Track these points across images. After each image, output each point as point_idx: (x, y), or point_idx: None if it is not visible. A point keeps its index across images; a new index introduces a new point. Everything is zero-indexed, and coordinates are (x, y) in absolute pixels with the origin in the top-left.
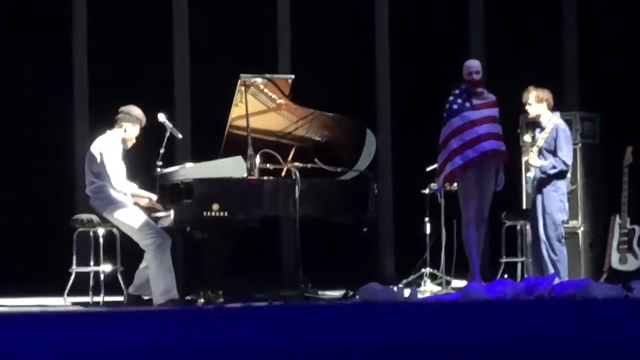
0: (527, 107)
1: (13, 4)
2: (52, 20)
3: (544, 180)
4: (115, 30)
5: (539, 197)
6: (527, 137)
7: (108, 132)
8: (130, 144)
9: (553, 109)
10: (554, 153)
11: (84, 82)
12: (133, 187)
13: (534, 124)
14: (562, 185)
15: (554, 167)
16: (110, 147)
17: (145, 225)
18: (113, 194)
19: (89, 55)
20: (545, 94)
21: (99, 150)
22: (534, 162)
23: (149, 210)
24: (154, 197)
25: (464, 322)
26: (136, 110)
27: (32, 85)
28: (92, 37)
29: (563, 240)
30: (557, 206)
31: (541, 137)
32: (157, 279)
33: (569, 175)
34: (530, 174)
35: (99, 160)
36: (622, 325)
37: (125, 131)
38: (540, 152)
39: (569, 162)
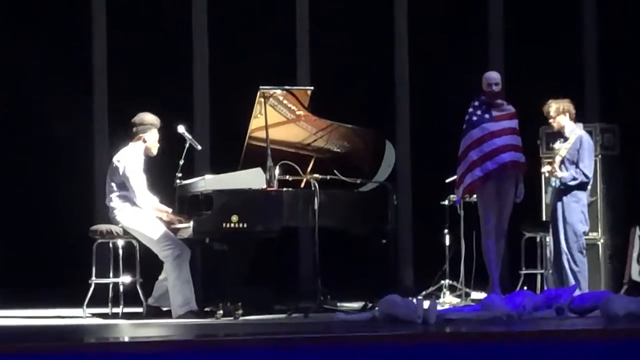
0: (550, 121)
1: (33, 15)
2: (73, 34)
3: (565, 191)
4: (134, 43)
5: (559, 208)
6: (557, 145)
7: (130, 144)
8: (155, 150)
9: (575, 119)
10: (576, 164)
11: (104, 94)
12: (154, 201)
13: (555, 134)
14: (583, 197)
15: (575, 179)
16: (133, 159)
17: (164, 237)
18: (134, 206)
19: (108, 68)
20: (566, 105)
21: (122, 162)
22: (557, 173)
23: (168, 223)
24: (170, 210)
25: None
26: (147, 117)
27: (52, 98)
28: (112, 50)
29: (584, 252)
30: (578, 217)
31: (564, 148)
32: (175, 291)
33: (589, 186)
34: (551, 185)
35: (121, 172)
36: None
37: (145, 141)
38: (562, 163)
39: (590, 174)
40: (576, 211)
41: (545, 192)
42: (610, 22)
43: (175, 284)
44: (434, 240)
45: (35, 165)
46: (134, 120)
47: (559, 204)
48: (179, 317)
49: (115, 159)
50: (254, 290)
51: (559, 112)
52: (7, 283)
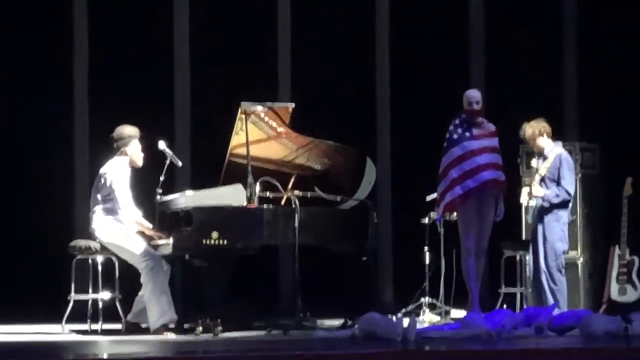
0: (530, 144)
1: (15, 24)
2: (53, 43)
3: (546, 210)
4: (115, 56)
5: (539, 227)
6: (533, 162)
7: (116, 157)
8: (140, 161)
9: (554, 138)
10: (557, 182)
11: (85, 109)
12: (138, 215)
13: (535, 153)
14: (564, 215)
15: (557, 196)
16: (119, 172)
17: (141, 249)
18: (115, 220)
19: (89, 82)
20: (541, 126)
21: (109, 174)
22: (536, 191)
23: (148, 238)
24: (151, 226)
25: None
26: (125, 130)
27: (32, 110)
28: (93, 62)
29: (563, 270)
30: (558, 235)
31: (544, 167)
32: (151, 304)
33: (570, 205)
34: (532, 203)
35: (108, 184)
36: None
37: (128, 154)
38: (542, 181)
39: (572, 191)
40: (556, 230)
41: (526, 211)
42: (591, 41)
43: (150, 296)
44: (414, 258)
45: (14, 180)
46: (113, 135)
47: (539, 223)
48: (156, 330)
49: (102, 171)
50: (233, 307)
51: (536, 136)
52: None
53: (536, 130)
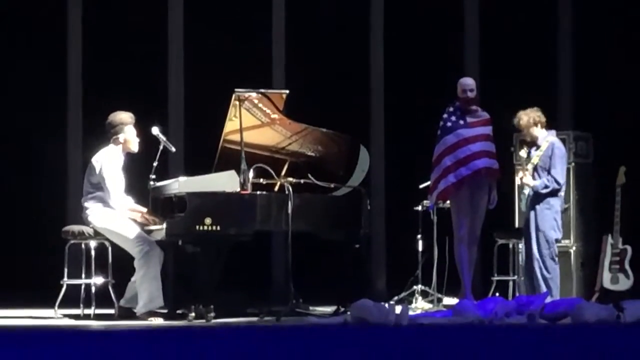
0: (523, 132)
1: (9, 21)
2: (47, 34)
3: (538, 198)
4: (109, 44)
5: (532, 215)
6: (522, 153)
7: (110, 145)
8: (135, 146)
9: (548, 126)
10: (548, 171)
11: (78, 93)
12: (129, 202)
13: (528, 142)
14: (556, 204)
15: (546, 187)
16: (110, 160)
17: (135, 235)
18: (106, 206)
19: (83, 67)
20: (535, 115)
21: (99, 162)
22: (527, 181)
23: (141, 224)
24: (144, 210)
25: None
26: (119, 116)
27: (26, 98)
28: (87, 50)
29: (556, 259)
30: (550, 224)
31: (536, 155)
32: (142, 289)
33: (562, 193)
34: (525, 192)
35: (97, 172)
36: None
37: (123, 141)
38: (535, 170)
39: (562, 180)
40: (548, 218)
41: (519, 199)
42: (585, 29)
43: (142, 281)
44: (407, 246)
45: (7, 166)
46: (107, 123)
47: (532, 212)
48: (141, 315)
49: (93, 159)
50: (226, 293)
51: (530, 125)
52: None
53: (531, 119)
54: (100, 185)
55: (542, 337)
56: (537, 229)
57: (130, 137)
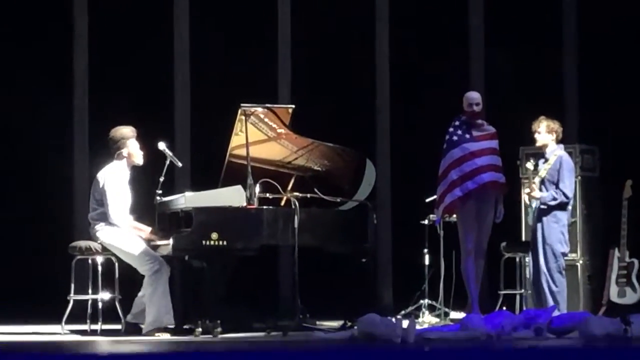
0: (536, 136)
1: (15, 34)
2: (53, 48)
3: (545, 212)
4: (115, 58)
5: (539, 228)
6: (529, 165)
7: (114, 161)
8: (139, 159)
9: (558, 142)
10: (556, 185)
11: (84, 109)
12: (129, 220)
13: (535, 155)
14: (563, 217)
15: (554, 199)
16: (114, 176)
17: (144, 252)
18: (112, 223)
19: (89, 84)
20: (556, 126)
21: (103, 178)
22: (534, 194)
23: (147, 240)
24: (149, 229)
25: None
26: (120, 132)
27: (32, 112)
28: (93, 65)
29: (564, 272)
30: (557, 237)
31: (544, 169)
32: (150, 306)
33: (569, 207)
34: (532, 205)
35: (100, 187)
36: None
37: (127, 155)
38: (542, 183)
39: (570, 194)
40: (555, 232)
41: (526, 213)
42: (591, 42)
43: (150, 299)
44: (414, 260)
45: (14, 181)
46: (109, 139)
47: (539, 225)
48: (148, 332)
49: (98, 175)
50: (233, 308)
51: (548, 131)
52: None
53: (551, 126)
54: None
55: None
56: (545, 243)
57: (133, 151)
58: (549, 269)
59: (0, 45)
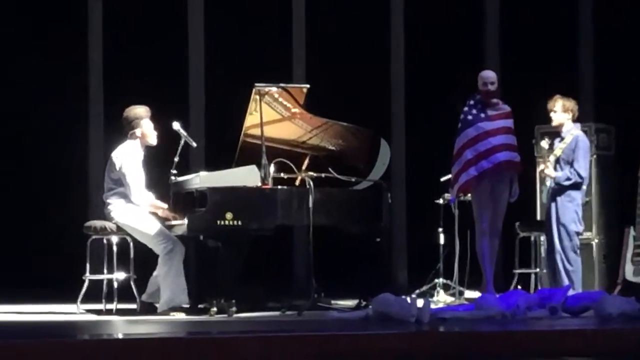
0: (552, 114)
1: (31, 16)
2: (68, 29)
3: (559, 191)
4: (130, 40)
5: (553, 207)
6: (544, 143)
7: (128, 141)
8: (153, 139)
9: (574, 121)
10: (571, 164)
11: (99, 90)
12: (150, 197)
13: (550, 134)
14: (577, 197)
15: (569, 179)
16: (130, 155)
17: (158, 232)
18: (128, 202)
19: (104, 63)
20: (572, 104)
21: (119, 158)
22: (549, 172)
23: (163, 219)
24: (165, 206)
25: None
26: (134, 111)
27: (48, 92)
28: (108, 45)
29: (578, 251)
30: (571, 217)
31: (559, 147)
32: (164, 286)
33: (584, 187)
34: (547, 184)
35: (117, 168)
36: None
37: (141, 135)
38: (557, 162)
39: (584, 174)
40: (570, 211)
41: (541, 191)
42: (607, 21)
43: (164, 279)
44: (428, 239)
45: (29, 161)
46: (123, 118)
47: (553, 204)
48: (162, 312)
49: (113, 154)
50: (247, 288)
51: (564, 110)
52: (1, 278)
53: (567, 105)
54: (121, 181)
55: None
56: (559, 222)
57: (147, 131)
58: (563, 248)
59: (16, 27)
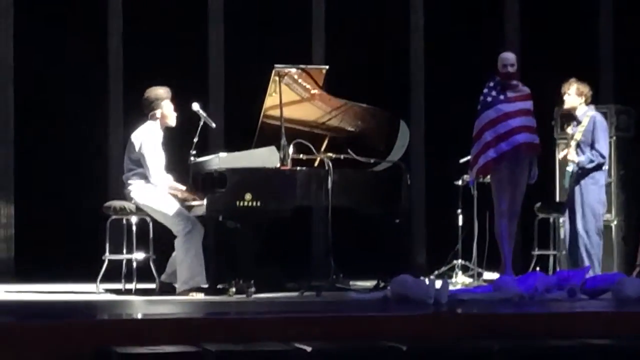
0: (565, 97)
1: (49, 3)
2: (88, 10)
3: (583, 174)
4: (150, 20)
5: (577, 190)
6: (570, 130)
7: (148, 122)
8: (173, 121)
9: (588, 104)
10: (591, 146)
11: (119, 70)
12: (169, 179)
13: (570, 117)
14: (601, 178)
15: (592, 161)
16: (149, 136)
17: (177, 212)
18: (148, 183)
19: (124, 45)
20: (586, 89)
21: (139, 139)
22: (571, 157)
23: (182, 200)
24: (184, 187)
25: None
26: (154, 92)
27: (66, 73)
28: (127, 27)
29: (601, 234)
30: (596, 198)
31: (579, 132)
32: (182, 267)
33: (605, 167)
34: (569, 168)
35: (137, 149)
36: None
37: (160, 116)
38: (578, 146)
39: (606, 153)
40: (594, 192)
41: (561, 173)
42: (627, 2)
43: (183, 259)
44: (447, 221)
45: (49, 142)
46: (143, 99)
47: (577, 187)
48: (181, 292)
49: (133, 135)
50: (266, 269)
51: (578, 93)
52: (21, 258)
53: (581, 89)
54: (140, 162)
55: None
56: (584, 204)
57: (167, 112)
58: (587, 230)
59: (35, 9)
